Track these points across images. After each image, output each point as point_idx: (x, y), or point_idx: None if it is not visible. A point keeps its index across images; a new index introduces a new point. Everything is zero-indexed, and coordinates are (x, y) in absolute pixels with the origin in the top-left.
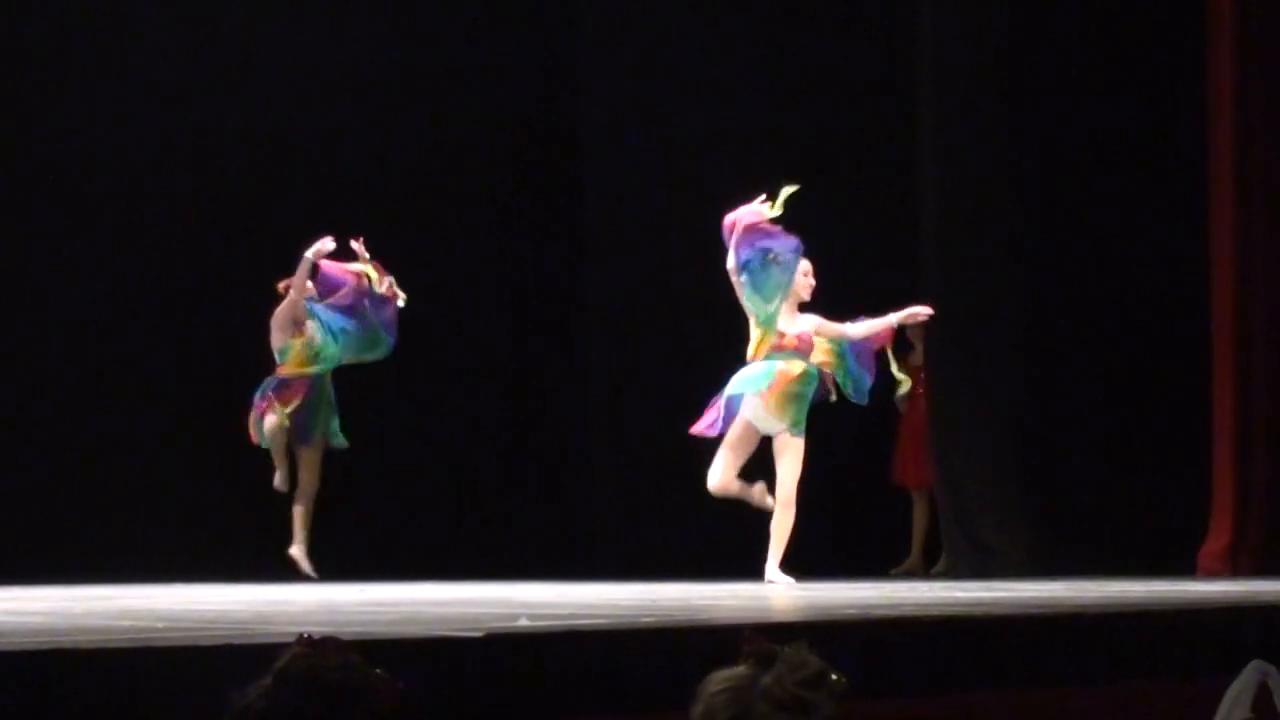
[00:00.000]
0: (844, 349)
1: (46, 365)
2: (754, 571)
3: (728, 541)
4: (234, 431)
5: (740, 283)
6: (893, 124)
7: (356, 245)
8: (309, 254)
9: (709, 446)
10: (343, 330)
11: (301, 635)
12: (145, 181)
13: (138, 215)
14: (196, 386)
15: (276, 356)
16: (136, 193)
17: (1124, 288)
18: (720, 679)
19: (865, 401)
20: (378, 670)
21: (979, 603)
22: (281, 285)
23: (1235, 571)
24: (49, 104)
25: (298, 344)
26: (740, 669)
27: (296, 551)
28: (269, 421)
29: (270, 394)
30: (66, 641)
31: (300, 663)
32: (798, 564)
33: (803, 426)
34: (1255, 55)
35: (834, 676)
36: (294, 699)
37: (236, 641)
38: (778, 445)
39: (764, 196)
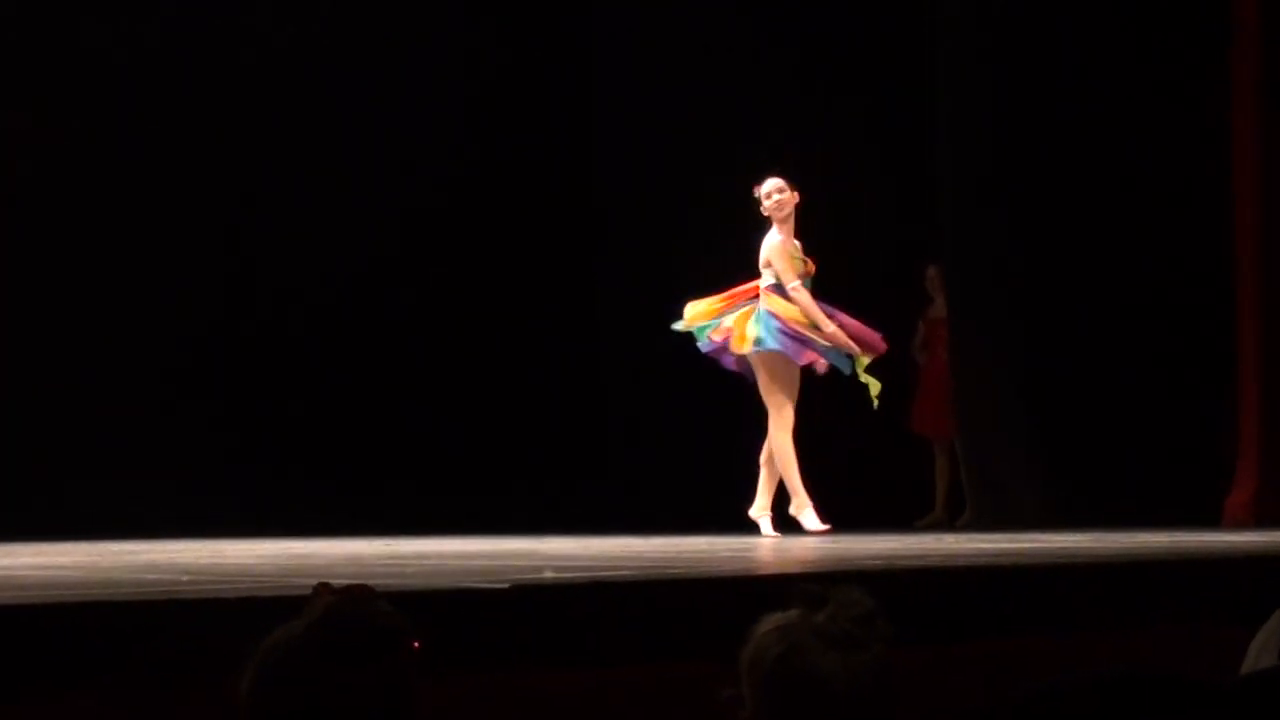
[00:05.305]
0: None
1: (73, 320)
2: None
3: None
4: (257, 387)
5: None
6: (912, 84)
7: None
8: None
9: (732, 402)
10: None
11: (321, 584)
12: (155, 180)
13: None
14: (219, 343)
15: None
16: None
17: (1146, 235)
18: (770, 620)
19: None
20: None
21: (1004, 553)
22: None
23: (1261, 522)
24: (58, 92)
25: None
26: (791, 612)
27: None
28: None
29: None
30: (93, 594)
31: (336, 609)
32: (821, 517)
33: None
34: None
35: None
36: (327, 642)
37: (261, 594)
38: None
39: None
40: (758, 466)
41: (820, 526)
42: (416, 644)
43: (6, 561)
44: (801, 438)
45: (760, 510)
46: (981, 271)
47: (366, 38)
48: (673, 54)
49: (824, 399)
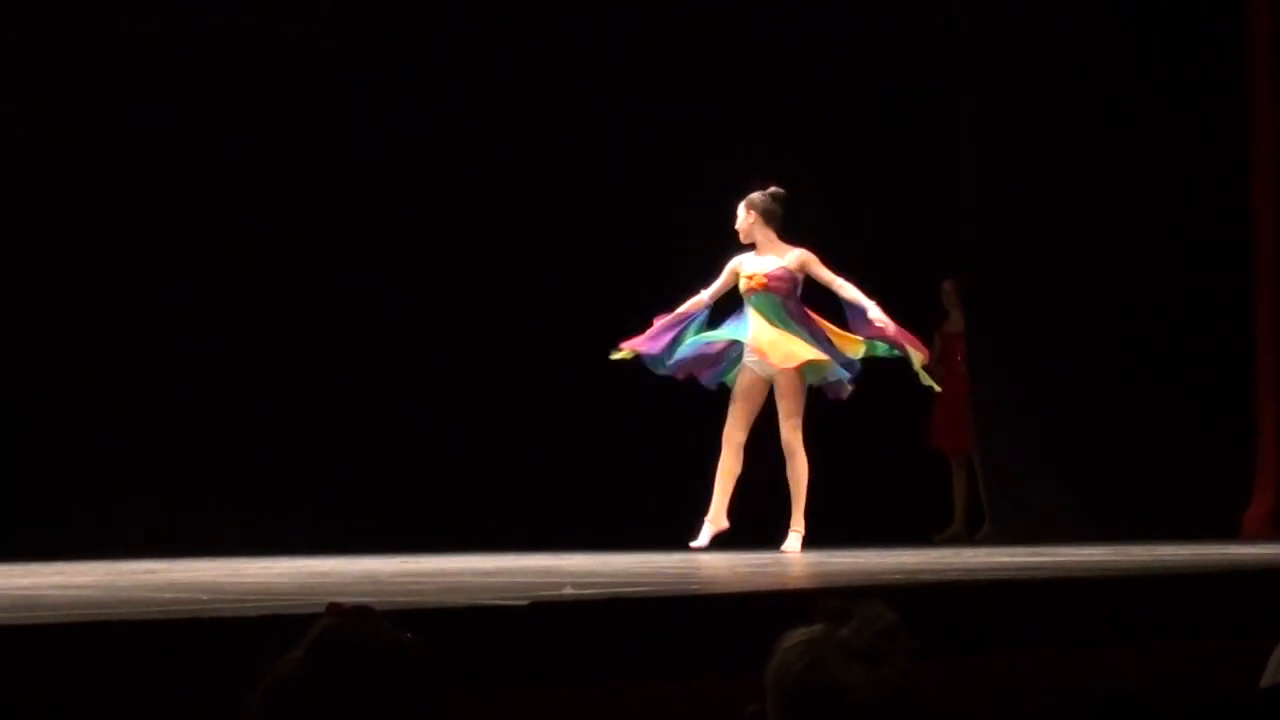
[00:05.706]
0: None
1: (91, 338)
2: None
3: (768, 512)
4: (278, 406)
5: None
6: (932, 101)
7: None
8: None
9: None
10: None
11: (331, 604)
12: (160, 184)
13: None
14: (238, 360)
15: None
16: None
17: (1164, 249)
18: (795, 635)
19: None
20: (409, 635)
21: (1024, 567)
22: None
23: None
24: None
25: None
26: (815, 627)
27: None
28: None
29: None
30: (112, 613)
31: (332, 632)
32: (839, 532)
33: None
34: None
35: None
36: (326, 668)
37: (280, 613)
38: None
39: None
40: (785, 484)
41: (700, 544)
42: (431, 659)
43: (29, 581)
44: (821, 455)
45: (792, 527)
46: (997, 284)
47: (369, 36)
48: (688, 61)
49: (839, 417)
